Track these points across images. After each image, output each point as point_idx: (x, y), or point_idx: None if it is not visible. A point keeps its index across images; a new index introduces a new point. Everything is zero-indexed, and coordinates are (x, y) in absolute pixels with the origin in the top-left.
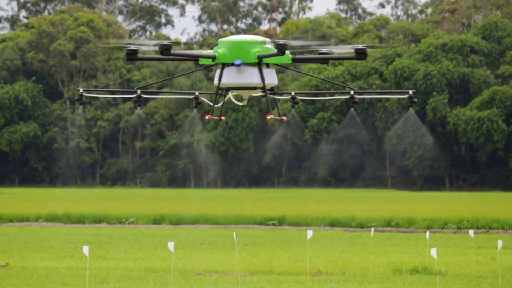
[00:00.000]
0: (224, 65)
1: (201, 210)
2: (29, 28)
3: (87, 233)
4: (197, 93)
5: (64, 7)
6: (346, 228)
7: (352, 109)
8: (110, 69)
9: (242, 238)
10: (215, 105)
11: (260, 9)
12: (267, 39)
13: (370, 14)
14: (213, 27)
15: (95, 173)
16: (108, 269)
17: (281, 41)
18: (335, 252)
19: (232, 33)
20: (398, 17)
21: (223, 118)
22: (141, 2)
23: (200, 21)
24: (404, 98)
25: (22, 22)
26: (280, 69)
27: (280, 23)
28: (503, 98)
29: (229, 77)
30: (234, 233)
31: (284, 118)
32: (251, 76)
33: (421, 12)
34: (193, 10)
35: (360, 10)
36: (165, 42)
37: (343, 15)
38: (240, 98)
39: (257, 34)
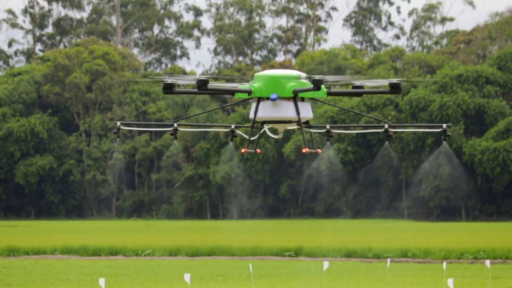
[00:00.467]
0: (259, 99)
1: (217, 241)
2: (45, 61)
3: (103, 266)
4: (233, 126)
5: (79, 40)
6: (362, 259)
7: (386, 142)
8: (126, 102)
9: (258, 269)
10: (251, 138)
11: (275, 41)
12: (302, 74)
13: (385, 45)
14: (228, 59)
15: (111, 205)
16: None
17: (317, 77)
18: (352, 283)
19: (247, 65)
20: (413, 48)
21: (258, 150)
22: (157, 35)
23: (216, 53)
24: (438, 131)
25: (37, 56)
26: None
27: (296, 55)
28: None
29: (265, 111)
30: (250, 265)
31: (319, 150)
32: (287, 110)
33: (436, 43)
34: (209, 42)
35: (375, 42)
36: (203, 77)
37: (358, 46)
38: (275, 131)
39: (272, 66)
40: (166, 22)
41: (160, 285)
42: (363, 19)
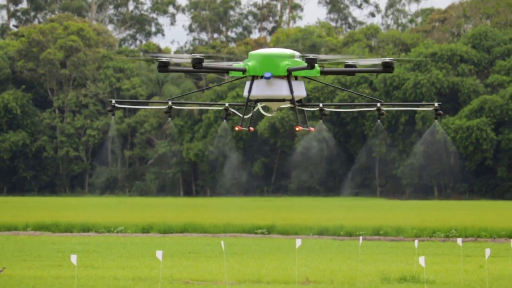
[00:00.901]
0: (253, 78)
1: (189, 218)
2: (19, 37)
3: (75, 242)
4: (227, 104)
5: (54, 16)
6: (334, 237)
7: (378, 121)
8: (100, 78)
9: (230, 246)
10: (245, 116)
11: (250, 18)
12: (296, 53)
13: (361, 23)
14: (204, 36)
15: (84, 182)
16: (96, 278)
17: (311, 56)
18: (324, 261)
19: (222, 42)
20: (388, 26)
21: (251, 128)
22: (131, 11)
23: (191, 30)
24: (429, 110)
25: (12, 31)
26: None
27: (271, 32)
28: (493, 107)
29: (259, 89)
30: (222, 242)
31: (312, 129)
32: (280, 89)
33: (411, 21)
34: (184, 19)
35: (350, 19)
36: (198, 55)
37: (333, 24)
38: (269, 110)
39: (247, 43)
40: None
41: (132, 261)
42: None
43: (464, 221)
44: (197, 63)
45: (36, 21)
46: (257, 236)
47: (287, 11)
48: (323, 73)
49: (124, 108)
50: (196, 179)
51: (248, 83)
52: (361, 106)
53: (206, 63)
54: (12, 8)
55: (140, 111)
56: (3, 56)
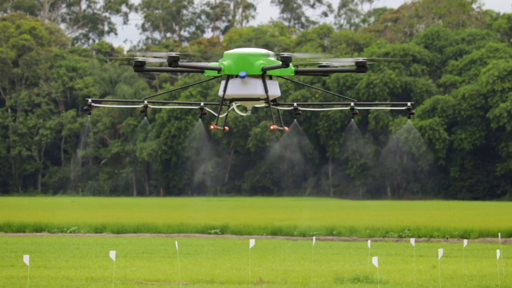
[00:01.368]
0: (229, 77)
1: (143, 219)
2: None
3: (28, 242)
4: (202, 103)
5: (6, 14)
6: (288, 237)
7: (352, 120)
8: (53, 77)
9: (184, 247)
10: (220, 115)
11: (203, 17)
12: (271, 52)
13: (313, 23)
14: (156, 35)
15: (36, 182)
16: (49, 278)
17: (286, 54)
18: (277, 261)
19: (175, 42)
20: (341, 26)
21: (226, 128)
22: (84, 10)
23: (143, 29)
24: (402, 109)
25: None
26: None
27: (224, 32)
28: (445, 107)
29: (234, 88)
30: (176, 242)
31: (286, 128)
32: (255, 88)
33: (363, 21)
34: (137, 18)
35: (303, 19)
36: (173, 54)
37: (286, 23)
38: (243, 109)
39: (200, 43)
40: None
41: (85, 262)
42: None
43: (417, 221)
44: (172, 61)
45: None
46: (210, 236)
47: (240, 10)
48: (297, 72)
49: (98, 107)
50: (149, 179)
51: (223, 83)
52: (335, 105)
53: (182, 62)
54: None
55: (93, 110)
56: None
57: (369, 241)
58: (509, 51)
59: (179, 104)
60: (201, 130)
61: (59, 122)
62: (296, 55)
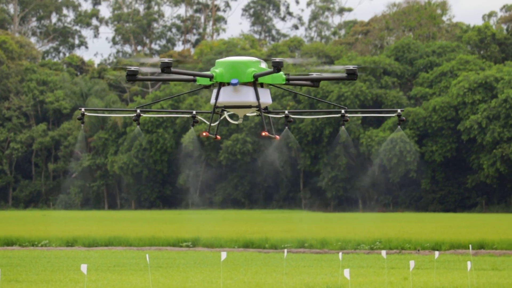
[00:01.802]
0: (220, 84)
1: (114, 232)
2: None
3: None
4: (194, 112)
5: None
6: (259, 250)
7: (342, 126)
8: (23, 91)
9: (155, 260)
10: (212, 124)
11: (174, 30)
12: (262, 60)
13: (284, 35)
14: (127, 48)
15: (7, 196)
16: None
17: (277, 59)
18: (249, 274)
19: (146, 55)
20: (311, 38)
21: (218, 137)
22: (55, 24)
23: (114, 42)
24: (393, 116)
25: None
26: None
27: (194, 45)
28: (416, 120)
29: (226, 96)
30: (147, 255)
31: (277, 137)
32: (247, 95)
33: (334, 33)
34: (107, 32)
35: (274, 32)
36: (166, 60)
37: (257, 36)
38: (235, 117)
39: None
40: (64, 11)
41: (56, 275)
42: (261, 9)
43: (388, 233)
44: (165, 67)
45: None
46: (182, 249)
47: (211, 23)
48: (288, 80)
49: (88, 115)
50: (120, 192)
51: (215, 91)
52: (326, 113)
53: (175, 69)
54: None
55: (64, 124)
56: None
57: (340, 254)
58: (479, 63)
59: (171, 112)
60: (193, 137)
61: (30, 136)
62: (288, 60)
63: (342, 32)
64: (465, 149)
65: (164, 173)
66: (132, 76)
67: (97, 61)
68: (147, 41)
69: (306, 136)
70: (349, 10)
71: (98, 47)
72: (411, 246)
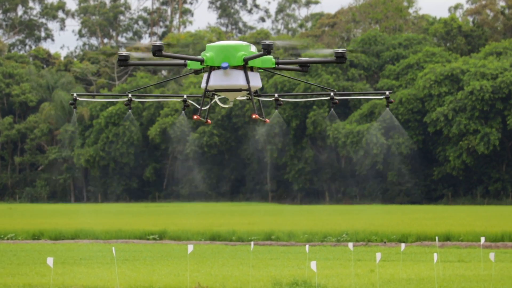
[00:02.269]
0: (211, 68)
1: (80, 225)
2: None
3: None
4: (185, 96)
5: None
6: (226, 242)
7: (332, 109)
8: None
9: (122, 253)
10: (203, 108)
11: (140, 23)
12: (252, 44)
13: (251, 28)
14: (94, 41)
15: None
16: None
17: (267, 41)
18: (216, 266)
19: (112, 47)
20: (278, 31)
21: (209, 121)
22: (21, 16)
23: (81, 35)
24: (381, 98)
25: None
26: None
27: (161, 37)
28: (382, 112)
29: (216, 79)
30: (113, 248)
31: (267, 120)
32: (237, 79)
33: (301, 26)
34: (74, 24)
35: (240, 24)
36: (157, 43)
37: (224, 29)
38: (225, 101)
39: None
40: (30, 3)
41: (22, 269)
42: (228, 2)
43: (355, 226)
44: (157, 50)
45: None
46: (148, 242)
47: (177, 16)
48: (278, 64)
49: (82, 101)
50: (87, 185)
51: (205, 75)
52: (315, 95)
53: (166, 52)
54: None
55: (30, 117)
56: None
57: (307, 246)
58: (445, 56)
59: (162, 97)
60: (185, 122)
61: None
62: (278, 42)
63: (309, 24)
64: (431, 141)
65: (131, 166)
66: (123, 61)
67: (63, 54)
68: (114, 33)
69: (273, 128)
70: (316, 2)
71: (64, 40)
72: (377, 238)
